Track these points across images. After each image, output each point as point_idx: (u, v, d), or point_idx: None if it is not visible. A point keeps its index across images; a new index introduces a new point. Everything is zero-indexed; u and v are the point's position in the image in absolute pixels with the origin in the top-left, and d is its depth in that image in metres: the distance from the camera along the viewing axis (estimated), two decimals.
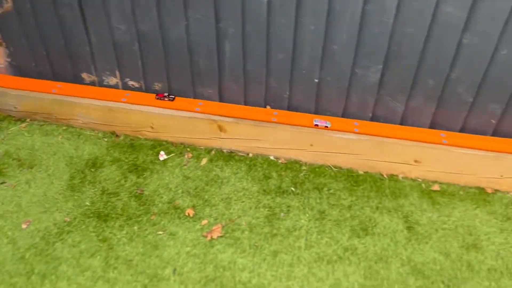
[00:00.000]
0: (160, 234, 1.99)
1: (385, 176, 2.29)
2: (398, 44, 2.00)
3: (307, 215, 2.09)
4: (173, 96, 2.44)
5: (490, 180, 2.18)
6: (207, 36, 2.19)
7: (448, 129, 2.22)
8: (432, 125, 2.24)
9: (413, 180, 2.27)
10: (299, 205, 2.14)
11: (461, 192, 2.19)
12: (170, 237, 1.98)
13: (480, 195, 2.18)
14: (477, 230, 2.01)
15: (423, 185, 2.24)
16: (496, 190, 2.20)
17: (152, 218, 2.07)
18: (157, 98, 2.43)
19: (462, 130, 2.21)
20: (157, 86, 2.47)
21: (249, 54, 2.22)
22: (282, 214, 2.10)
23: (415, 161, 2.21)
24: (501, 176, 2.14)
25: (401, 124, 2.27)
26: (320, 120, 2.26)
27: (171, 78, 2.42)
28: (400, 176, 2.28)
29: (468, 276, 1.83)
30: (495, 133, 2.17)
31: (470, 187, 2.21)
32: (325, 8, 1.96)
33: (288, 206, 2.14)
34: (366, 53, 2.06)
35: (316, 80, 2.22)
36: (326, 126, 2.24)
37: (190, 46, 2.26)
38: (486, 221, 2.05)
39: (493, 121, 2.13)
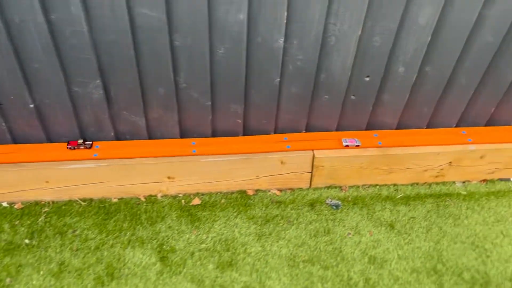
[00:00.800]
0: None
1: (142, 199, 2.02)
2: (108, 54, 1.69)
3: (42, 272, 1.73)
4: (90, 143, 1.90)
5: (249, 182, 2.06)
6: None
7: (200, 135, 2.03)
8: (183, 134, 2.03)
9: (174, 197, 2.05)
10: (33, 262, 1.76)
11: (223, 201, 2.04)
12: None
13: (242, 200, 2.05)
14: (235, 243, 1.87)
15: (183, 201, 2.03)
16: (257, 190, 2.09)
17: None
18: (70, 148, 1.87)
19: (215, 134, 2.04)
20: None
21: None
22: (8, 280, 1.70)
23: (169, 177, 1.98)
24: (257, 176, 2.04)
25: (150, 138, 2.01)
26: (350, 140, 1.92)
27: None
28: (159, 196, 2.04)
29: None
30: (245, 133, 2.05)
31: (233, 193, 2.08)
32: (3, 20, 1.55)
33: (19, 266, 1.74)
34: (76, 68, 1.72)
35: (32, 106, 1.82)
36: (358, 145, 1.92)
37: None
38: (246, 229, 1.93)
39: (239, 121, 1.99)
